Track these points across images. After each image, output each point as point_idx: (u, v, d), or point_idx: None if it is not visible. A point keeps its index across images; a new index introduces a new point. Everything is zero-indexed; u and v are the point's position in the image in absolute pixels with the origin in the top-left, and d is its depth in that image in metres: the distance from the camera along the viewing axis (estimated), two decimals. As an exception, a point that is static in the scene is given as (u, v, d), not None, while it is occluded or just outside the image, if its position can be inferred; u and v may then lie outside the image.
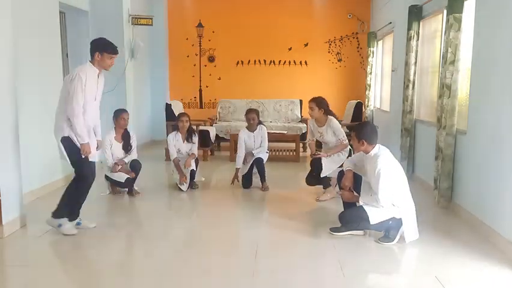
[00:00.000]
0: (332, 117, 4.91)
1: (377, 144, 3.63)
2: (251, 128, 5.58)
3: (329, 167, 4.80)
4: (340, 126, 4.94)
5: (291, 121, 8.67)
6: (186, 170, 5.32)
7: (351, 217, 3.70)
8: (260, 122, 5.67)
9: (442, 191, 4.51)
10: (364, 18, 9.45)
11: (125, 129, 5.16)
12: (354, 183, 3.84)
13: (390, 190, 3.49)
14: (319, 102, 4.89)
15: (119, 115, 5.05)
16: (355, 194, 3.83)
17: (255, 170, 5.46)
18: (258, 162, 5.40)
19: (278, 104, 8.76)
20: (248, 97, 9.07)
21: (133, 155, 5.17)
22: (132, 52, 7.15)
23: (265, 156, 5.56)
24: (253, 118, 5.53)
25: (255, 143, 5.56)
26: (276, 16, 9.41)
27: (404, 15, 6.18)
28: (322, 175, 4.82)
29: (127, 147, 5.14)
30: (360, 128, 3.66)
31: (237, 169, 5.48)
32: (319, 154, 4.86)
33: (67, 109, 3.53)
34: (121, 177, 4.98)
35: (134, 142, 5.21)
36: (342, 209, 3.91)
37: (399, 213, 3.55)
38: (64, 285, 3.02)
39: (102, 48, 3.69)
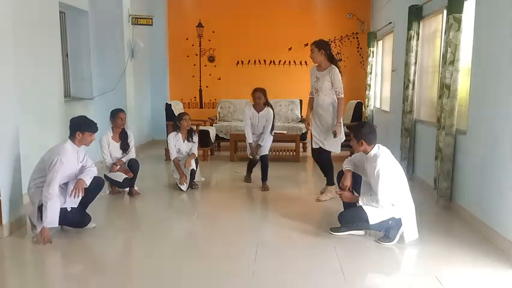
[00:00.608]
0: (335, 66, 4.67)
1: (377, 144, 3.63)
2: (257, 107, 5.43)
3: (334, 146, 4.79)
4: (340, 78, 4.65)
5: (291, 121, 8.67)
6: (186, 170, 5.32)
7: (351, 217, 3.70)
8: (268, 103, 5.48)
9: (441, 190, 4.51)
10: (364, 18, 9.44)
11: (123, 129, 5.14)
12: (353, 183, 3.83)
13: (390, 190, 3.48)
14: (318, 44, 4.65)
15: (116, 115, 5.03)
16: (355, 194, 3.82)
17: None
18: (263, 159, 5.40)
19: (278, 104, 8.75)
20: (248, 97, 9.01)
21: (131, 154, 5.16)
22: (132, 52, 7.15)
23: (270, 140, 5.48)
24: (258, 97, 5.35)
25: (258, 123, 5.42)
26: (276, 16, 9.40)
27: (404, 15, 6.18)
28: (336, 151, 4.82)
29: (124, 147, 5.12)
30: (358, 129, 3.65)
31: (250, 144, 5.41)
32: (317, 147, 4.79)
33: (44, 190, 3.53)
34: (119, 177, 4.97)
35: (132, 141, 5.20)
36: (342, 209, 3.90)
37: (399, 213, 3.55)
38: (63, 286, 3.02)
39: (84, 128, 3.73)
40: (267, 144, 5.46)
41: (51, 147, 3.75)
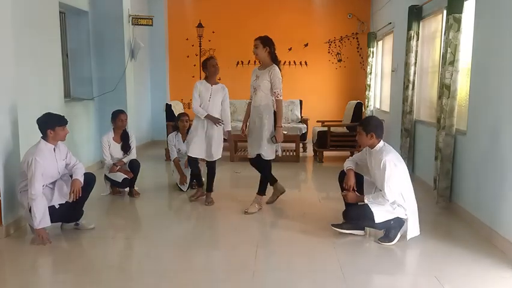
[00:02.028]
0: (276, 66, 4.41)
1: (382, 140, 3.63)
2: (211, 79, 4.81)
3: (269, 153, 4.45)
4: (280, 80, 4.37)
5: (291, 121, 8.66)
6: (186, 170, 5.32)
7: (356, 215, 3.69)
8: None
9: (441, 190, 4.51)
10: (364, 18, 9.45)
11: (124, 130, 5.15)
12: (356, 183, 3.82)
13: (396, 183, 3.48)
14: (264, 40, 4.40)
15: (117, 116, 5.04)
16: (358, 194, 3.81)
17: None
18: (210, 165, 4.98)
19: (278, 104, 8.75)
20: (248, 97, 9.00)
21: (132, 155, 5.16)
22: (132, 52, 7.15)
23: (219, 141, 4.78)
24: (216, 64, 4.74)
25: (210, 98, 4.75)
26: (276, 16, 9.40)
27: (404, 15, 6.19)
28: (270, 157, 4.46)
29: (125, 148, 5.12)
30: (368, 122, 3.67)
31: (207, 116, 4.76)
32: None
33: (28, 193, 3.52)
34: (118, 177, 4.98)
35: (133, 142, 5.19)
36: (343, 209, 3.89)
37: (403, 212, 3.55)
38: (63, 286, 3.02)
39: (52, 124, 3.67)
40: (216, 145, 4.77)
41: (26, 151, 3.70)
